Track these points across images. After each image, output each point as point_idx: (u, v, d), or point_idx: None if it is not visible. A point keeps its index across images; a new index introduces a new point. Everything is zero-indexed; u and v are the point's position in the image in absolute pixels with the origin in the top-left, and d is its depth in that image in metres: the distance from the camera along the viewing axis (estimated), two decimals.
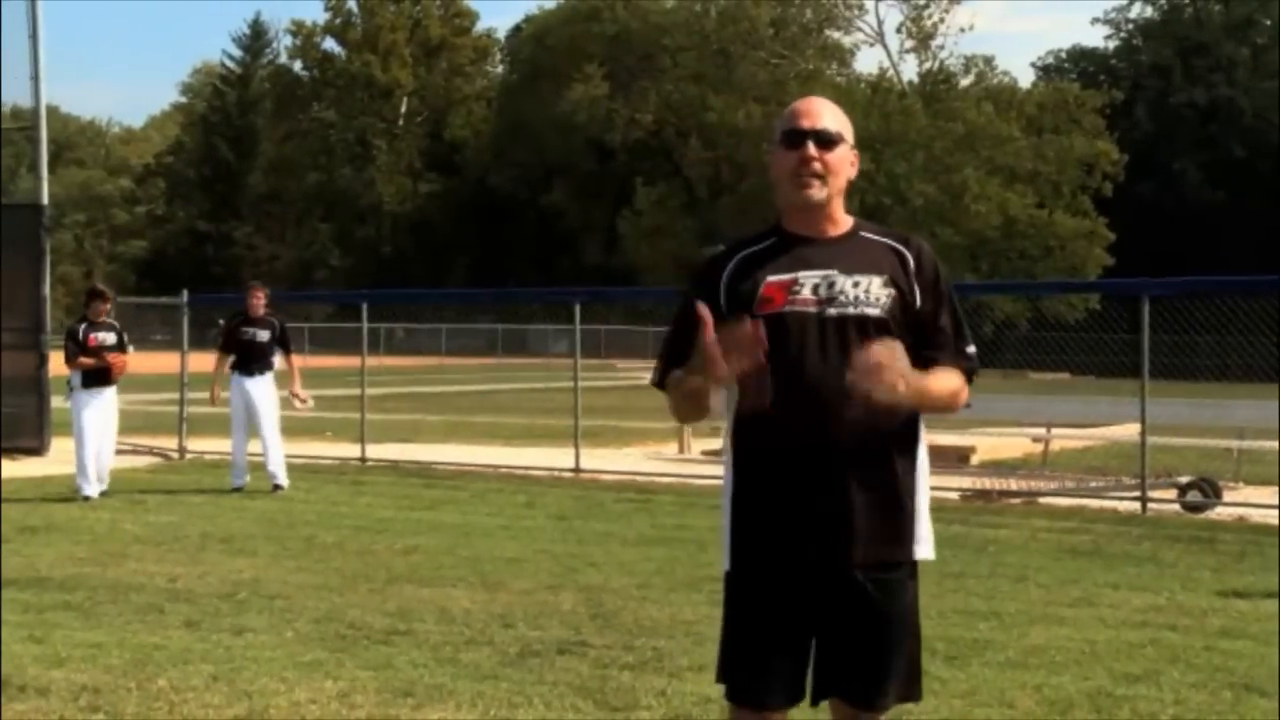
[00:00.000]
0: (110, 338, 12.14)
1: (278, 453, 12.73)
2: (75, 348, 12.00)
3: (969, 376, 3.18)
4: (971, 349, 3.18)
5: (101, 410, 12.05)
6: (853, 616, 3.10)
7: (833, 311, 3.07)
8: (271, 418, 12.76)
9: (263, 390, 12.76)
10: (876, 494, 3.07)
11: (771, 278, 3.11)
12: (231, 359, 12.83)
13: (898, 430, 3.09)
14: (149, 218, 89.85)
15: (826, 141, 3.15)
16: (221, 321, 14.10)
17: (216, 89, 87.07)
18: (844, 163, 3.18)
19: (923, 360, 3.05)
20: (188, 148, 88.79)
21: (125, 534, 9.87)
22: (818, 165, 3.13)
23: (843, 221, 3.21)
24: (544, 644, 6.33)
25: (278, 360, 13.00)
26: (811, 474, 3.05)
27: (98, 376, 12.01)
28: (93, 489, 11.86)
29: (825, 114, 3.19)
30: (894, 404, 2.92)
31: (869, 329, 3.03)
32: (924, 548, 3.18)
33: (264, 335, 12.84)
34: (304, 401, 13.10)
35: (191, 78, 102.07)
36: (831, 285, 3.09)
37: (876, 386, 2.88)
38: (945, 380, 3.11)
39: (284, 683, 5.66)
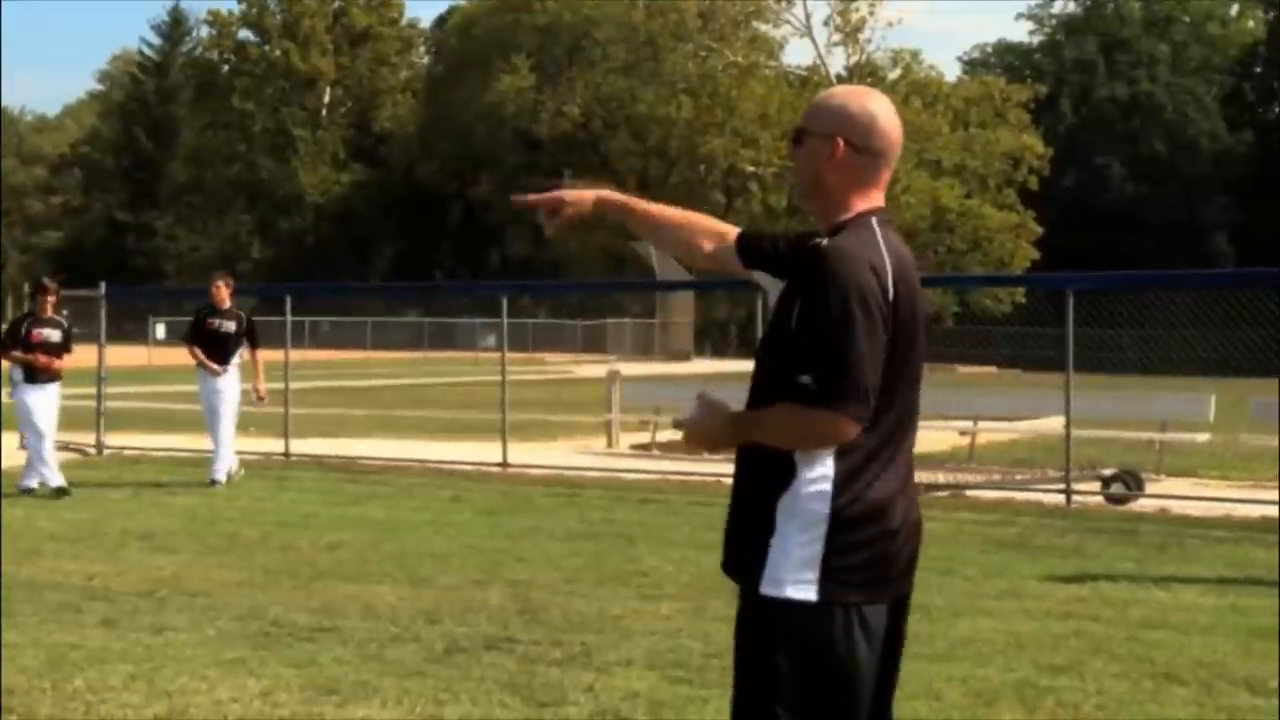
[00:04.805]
0: (55, 335, 11.77)
1: (228, 450, 12.53)
2: (11, 343, 11.72)
3: (812, 403, 2.71)
4: (805, 378, 2.69)
5: (46, 403, 11.71)
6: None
7: None
8: (232, 415, 12.58)
9: (228, 383, 12.56)
10: (737, 522, 2.93)
11: None
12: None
13: (760, 459, 2.84)
14: (64, 208, 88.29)
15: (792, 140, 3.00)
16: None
17: (135, 78, 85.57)
18: (807, 159, 2.91)
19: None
20: (105, 137, 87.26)
21: (40, 531, 9.65)
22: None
23: (825, 227, 2.90)
24: (471, 640, 6.27)
25: (241, 353, 12.74)
26: None
27: (39, 372, 11.68)
28: (60, 479, 11.52)
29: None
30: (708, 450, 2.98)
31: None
32: (782, 587, 2.76)
33: (230, 326, 12.63)
34: (262, 398, 12.91)
35: (110, 65, 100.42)
36: None
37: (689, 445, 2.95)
38: (760, 421, 2.82)
39: (205, 681, 5.56)
